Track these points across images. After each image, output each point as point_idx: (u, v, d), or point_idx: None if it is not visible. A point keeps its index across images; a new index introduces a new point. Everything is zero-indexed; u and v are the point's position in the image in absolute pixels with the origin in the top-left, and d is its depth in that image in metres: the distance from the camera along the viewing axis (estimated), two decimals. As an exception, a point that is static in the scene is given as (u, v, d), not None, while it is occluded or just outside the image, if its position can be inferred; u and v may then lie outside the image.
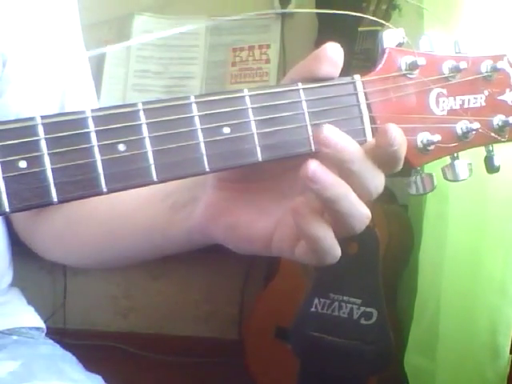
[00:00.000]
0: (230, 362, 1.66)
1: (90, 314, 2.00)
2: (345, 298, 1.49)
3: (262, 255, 0.50)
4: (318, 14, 1.79)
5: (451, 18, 1.10)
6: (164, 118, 0.43)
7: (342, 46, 0.47)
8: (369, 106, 0.49)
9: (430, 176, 0.51)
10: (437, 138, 0.50)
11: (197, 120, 0.44)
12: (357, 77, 0.49)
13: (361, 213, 0.45)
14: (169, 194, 0.55)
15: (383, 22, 0.55)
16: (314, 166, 0.43)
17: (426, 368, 1.28)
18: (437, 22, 0.99)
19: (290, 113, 0.46)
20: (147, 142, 0.43)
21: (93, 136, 0.41)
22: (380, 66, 0.50)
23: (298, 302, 1.53)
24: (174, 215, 0.54)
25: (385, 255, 1.46)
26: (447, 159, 0.52)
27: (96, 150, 0.41)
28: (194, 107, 0.44)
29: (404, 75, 0.50)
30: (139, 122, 0.43)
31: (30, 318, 0.77)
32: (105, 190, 0.42)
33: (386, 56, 0.50)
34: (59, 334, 1.47)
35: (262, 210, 0.49)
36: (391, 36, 0.50)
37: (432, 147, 0.50)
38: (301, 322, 1.52)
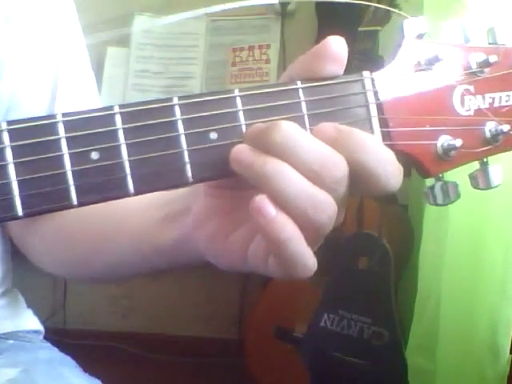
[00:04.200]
0: (230, 362, 1.66)
1: (90, 313, 2.00)
2: (354, 316, 1.40)
3: (241, 271, 0.45)
4: (318, 14, 1.79)
5: (451, 18, 1.10)
6: (143, 123, 0.39)
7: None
8: (379, 107, 0.42)
9: (454, 185, 0.45)
10: (460, 142, 0.43)
11: (180, 125, 0.39)
12: (366, 73, 0.42)
13: (324, 201, 0.38)
14: (166, 202, 0.51)
15: (399, 11, 0.47)
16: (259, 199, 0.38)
17: (426, 368, 1.28)
18: (436, 21, 0.99)
19: (288, 115, 0.40)
20: (123, 149, 0.38)
21: (63, 143, 0.38)
22: (394, 60, 0.43)
23: (298, 302, 1.53)
24: (165, 226, 0.51)
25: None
26: (472, 165, 0.46)
27: (66, 159, 0.38)
28: (177, 110, 0.39)
29: (423, 70, 0.43)
30: (115, 128, 0.38)
31: (28, 320, 0.76)
32: (75, 202, 0.38)
33: (401, 49, 0.43)
34: (59, 334, 1.47)
35: (240, 220, 0.44)
36: (412, 26, 0.43)
37: (454, 152, 0.43)
38: (311, 336, 1.47)
